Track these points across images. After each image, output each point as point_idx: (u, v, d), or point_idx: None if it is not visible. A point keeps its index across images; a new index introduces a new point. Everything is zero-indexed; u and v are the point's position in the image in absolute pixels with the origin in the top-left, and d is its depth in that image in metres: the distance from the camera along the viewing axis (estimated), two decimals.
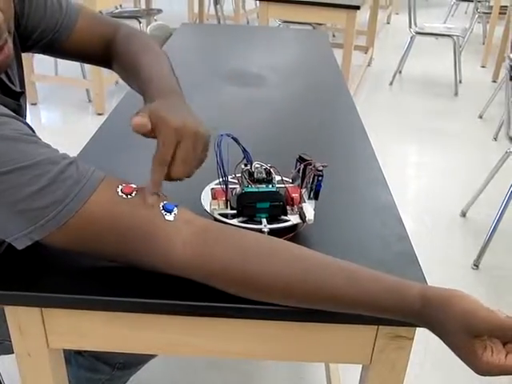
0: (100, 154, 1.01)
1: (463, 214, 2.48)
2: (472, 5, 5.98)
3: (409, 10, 4.18)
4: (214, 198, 0.80)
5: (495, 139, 3.33)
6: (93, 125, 3.22)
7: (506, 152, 2.26)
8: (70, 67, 3.85)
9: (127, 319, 0.69)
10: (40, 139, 0.64)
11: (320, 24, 4.36)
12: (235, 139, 0.77)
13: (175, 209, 0.65)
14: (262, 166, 0.81)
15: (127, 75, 0.91)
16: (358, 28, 3.39)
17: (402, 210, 0.85)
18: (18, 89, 0.85)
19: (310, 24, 4.16)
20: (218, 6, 5.24)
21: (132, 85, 0.90)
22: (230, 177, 0.79)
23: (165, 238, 0.63)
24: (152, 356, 1.18)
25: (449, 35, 4.21)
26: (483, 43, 5.46)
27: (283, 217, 0.77)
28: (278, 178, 0.81)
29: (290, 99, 1.34)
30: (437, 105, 3.91)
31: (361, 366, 0.77)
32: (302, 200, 0.79)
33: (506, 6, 4.35)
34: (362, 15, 3.58)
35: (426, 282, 0.69)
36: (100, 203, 0.62)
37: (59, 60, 3.88)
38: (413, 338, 0.69)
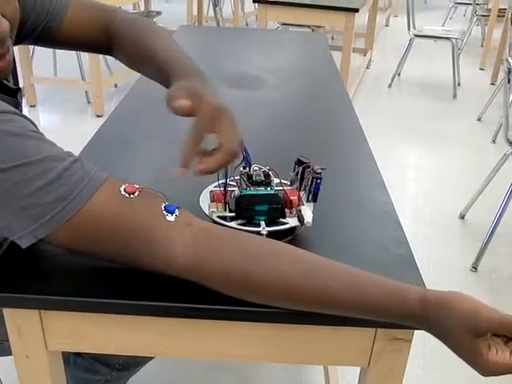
0: (99, 156, 1.01)
1: (462, 217, 2.48)
2: (470, 7, 6.00)
3: (407, 12, 4.19)
4: (212, 200, 0.80)
5: (494, 141, 3.33)
6: (92, 127, 3.22)
7: (505, 154, 2.26)
8: (68, 69, 3.86)
9: (126, 321, 0.69)
10: (44, 136, 0.64)
11: (319, 26, 4.36)
12: None
13: (177, 210, 0.65)
14: (260, 168, 0.81)
15: (136, 60, 0.89)
16: (356, 30, 3.39)
17: (401, 213, 0.85)
18: (13, 86, 0.84)
19: (308, 26, 4.17)
20: (217, 8, 5.25)
21: (145, 69, 0.89)
22: (228, 179, 0.79)
23: (166, 238, 0.63)
24: (151, 358, 1.18)
25: (447, 38, 4.22)
26: (482, 46, 5.47)
27: (282, 219, 0.77)
28: (276, 180, 0.81)
29: (288, 102, 1.34)
30: (435, 107, 3.92)
31: (359, 368, 0.77)
32: (300, 203, 0.79)
33: (505, 9, 4.36)
34: (361, 18, 3.58)
35: (424, 285, 0.70)
36: (103, 202, 0.62)
37: (58, 61, 3.90)
38: (411, 341, 0.69)
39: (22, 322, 0.69)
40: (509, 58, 2.15)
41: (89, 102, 3.61)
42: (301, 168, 0.81)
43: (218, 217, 0.77)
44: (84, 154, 1.00)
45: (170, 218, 0.64)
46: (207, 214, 0.78)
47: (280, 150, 1.07)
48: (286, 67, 1.64)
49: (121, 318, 0.68)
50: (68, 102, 3.64)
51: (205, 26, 5.15)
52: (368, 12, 4.71)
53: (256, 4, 3.38)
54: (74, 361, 1.12)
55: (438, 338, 0.59)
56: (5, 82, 0.82)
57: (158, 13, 4.39)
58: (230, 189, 0.80)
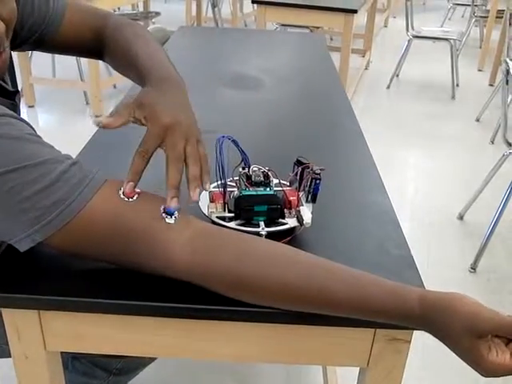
0: (97, 158, 1.01)
1: (460, 217, 2.49)
2: (469, 9, 6.01)
3: (406, 13, 4.20)
4: (211, 200, 0.80)
5: (492, 142, 3.34)
6: (90, 128, 3.21)
7: (503, 155, 2.26)
8: (67, 69, 3.86)
9: (124, 322, 0.69)
10: (42, 139, 0.64)
11: (317, 27, 4.36)
12: (235, 141, 0.77)
13: (176, 212, 0.65)
14: (259, 169, 0.81)
15: (122, 65, 0.89)
16: (355, 31, 3.39)
17: (399, 213, 0.85)
18: (11, 88, 0.84)
19: (307, 27, 4.17)
20: (216, 9, 5.25)
21: (129, 75, 0.88)
22: (227, 180, 0.79)
23: (165, 241, 0.63)
24: (149, 361, 1.17)
25: (446, 39, 4.23)
26: (480, 47, 5.47)
27: (281, 220, 0.77)
28: (275, 181, 0.81)
29: (287, 102, 1.34)
30: (434, 108, 3.93)
31: (358, 368, 0.77)
32: (299, 203, 0.79)
33: (503, 10, 4.36)
34: (360, 19, 3.58)
35: (423, 285, 0.70)
36: (101, 204, 0.62)
37: (57, 62, 3.90)
38: (410, 341, 0.69)
39: (20, 322, 0.69)
40: (507, 59, 2.15)
41: (87, 103, 3.61)
42: (300, 169, 0.81)
43: (217, 217, 0.77)
44: (83, 154, 1.00)
45: (170, 220, 0.64)
46: (206, 214, 0.78)
47: (279, 151, 1.07)
48: (284, 68, 1.64)
49: (120, 319, 0.68)
50: (66, 103, 3.64)
51: (204, 27, 5.15)
52: (366, 13, 4.72)
53: (255, 5, 3.38)
54: (72, 365, 1.11)
55: (438, 339, 0.59)
56: (3, 84, 0.82)
57: (157, 13, 4.39)
58: (229, 189, 0.80)
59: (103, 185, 0.63)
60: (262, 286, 0.62)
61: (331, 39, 5.60)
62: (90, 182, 0.62)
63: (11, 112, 0.62)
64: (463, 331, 0.56)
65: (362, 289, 0.61)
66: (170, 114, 0.68)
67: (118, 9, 4.69)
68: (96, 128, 1.12)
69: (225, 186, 0.78)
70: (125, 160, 1.00)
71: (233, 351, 0.72)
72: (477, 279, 2.07)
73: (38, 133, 0.66)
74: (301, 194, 0.80)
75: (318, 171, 0.79)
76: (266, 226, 0.76)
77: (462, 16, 7.40)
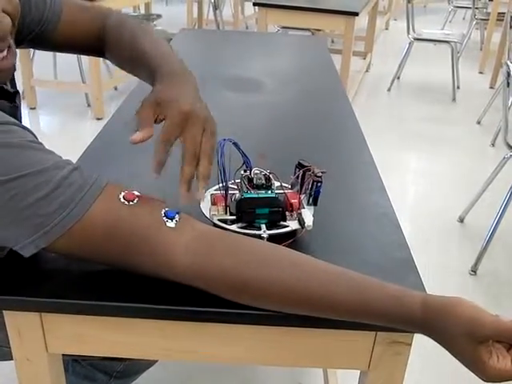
0: (99, 160, 1.01)
1: (461, 220, 2.48)
2: (470, 11, 6.01)
3: (407, 16, 4.20)
4: (213, 203, 0.80)
5: (493, 145, 3.34)
6: (92, 130, 3.23)
7: (504, 158, 2.26)
8: (69, 71, 3.86)
9: (127, 324, 0.69)
10: (43, 145, 0.64)
11: (319, 30, 4.37)
12: (236, 144, 0.78)
13: (177, 215, 0.65)
14: (261, 171, 0.81)
15: (127, 61, 0.89)
16: (356, 34, 3.39)
17: (400, 216, 0.85)
18: (11, 89, 0.84)
19: (308, 30, 4.18)
20: (217, 12, 5.26)
21: (135, 71, 0.89)
22: (229, 182, 0.80)
23: (166, 245, 0.63)
24: (150, 365, 1.17)
25: (447, 41, 4.23)
26: (481, 49, 5.48)
27: (282, 223, 0.77)
28: (277, 183, 0.82)
29: (288, 105, 1.35)
30: (435, 110, 3.93)
31: (359, 371, 0.77)
32: (301, 206, 0.79)
33: (504, 13, 4.37)
34: (361, 21, 3.59)
35: (424, 288, 0.70)
36: (102, 209, 0.62)
37: (58, 64, 3.91)
38: (411, 344, 0.69)
39: (22, 324, 0.69)
40: (508, 62, 2.15)
41: (89, 105, 3.62)
42: (301, 171, 0.81)
43: (219, 220, 0.77)
44: (84, 157, 1.01)
45: (170, 224, 0.64)
46: (208, 217, 0.78)
47: (280, 154, 1.07)
48: (285, 70, 1.64)
49: (122, 321, 0.68)
50: (68, 105, 3.64)
51: (205, 29, 5.16)
52: (368, 15, 4.72)
53: (256, 7, 3.38)
54: (73, 368, 1.11)
55: (439, 343, 0.59)
56: (3, 85, 0.82)
57: (158, 16, 4.39)
58: (230, 192, 0.80)
59: (104, 189, 0.63)
60: (262, 288, 0.62)
61: (332, 42, 5.61)
62: (90, 188, 0.62)
63: (12, 119, 0.62)
64: (464, 336, 0.56)
65: (362, 291, 0.61)
66: (188, 102, 0.71)
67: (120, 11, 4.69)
68: (97, 130, 1.12)
69: (226, 188, 0.78)
70: (126, 162, 1.01)
71: (234, 354, 0.72)
72: (477, 282, 2.07)
73: (40, 135, 0.66)
74: (302, 196, 0.81)
75: (320, 174, 0.79)
76: (268, 228, 0.76)
77: (463, 18, 7.41)
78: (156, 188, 0.92)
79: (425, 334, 0.60)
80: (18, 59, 0.83)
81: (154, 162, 0.70)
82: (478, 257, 2.12)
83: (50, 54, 3.87)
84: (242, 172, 0.82)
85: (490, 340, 0.57)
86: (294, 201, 0.79)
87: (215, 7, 5.21)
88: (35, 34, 0.88)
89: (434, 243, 2.31)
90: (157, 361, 1.15)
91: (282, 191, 0.81)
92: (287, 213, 0.79)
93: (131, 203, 0.64)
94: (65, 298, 0.66)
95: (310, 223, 0.75)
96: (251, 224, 0.77)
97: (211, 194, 0.82)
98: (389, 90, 4.33)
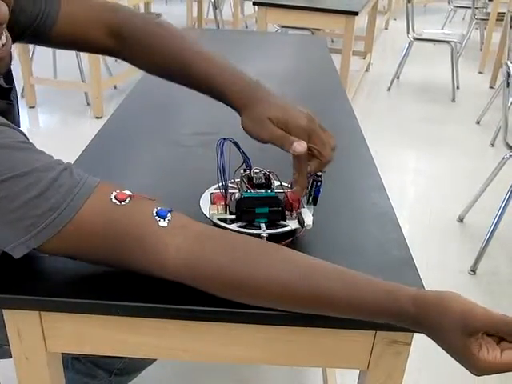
0: (98, 159, 1.01)
1: (460, 220, 2.49)
2: (470, 11, 6.02)
3: (407, 15, 4.20)
4: (213, 202, 0.80)
5: (492, 145, 3.34)
6: (91, 128, 3.22)
7: (503, 158, 2.26)
8: (68, 70, 3.86)
9: (125, 323, 0.69)
10: (34, 146, 0.63)
11: (318, 29, 4.37)
12: (236, 143, 0.78)
13: (169, 214, 0.64)
14: (261, 171, 0.81)
15: (162, 70, 0.88)
16: (356, 34, 3.39)
17: (400, 215, 0.85)
18: (5, 85, 0.81)
19: (308, 29, 4.18)
20: (217, 11, 5.26)
21: (175, 79, 0.87)
22: (229, 182, 0.79)
23: (158, 244, 0.62)
24: (150, 362, 1.17)
25: (446, 41, 4.23)
26: (481, 49, 5.48)
27: (282, 222, 0.77)
28: (277, 183, 0.82)
29: None
30: (434, 110, 3.93)
31: (358, 371, 0.77)
32: (300, 205, 0.79)
33: (504, 13, 4.37)
34: (361, 21, 3.59)
35: (423, 287, 0.70)
36: (93, 210, 0.62)
37: (58, 62, 3.90)
38: (410, 344, 0.69)
39: (21, 323, 0.69)
40: (508, 62, 2.15)
41: (88, 104, 3.62)
42: None
43: (219, 219, 0.77)
44: (83, 156, 1.00)
45: (163, 223, 0.63)
46: (208, 216, 0.78)
47: (280, 153, 1.07)
48: (285, 70, 1.64)
49: (121, 320, 0.68)
50: (67, 104, 3.64)
51: (205, 29, 5.16)
52: (367, 15, 4.72)
53: (256, 6, 3.38)
54: (73, 365, 1.11)
55: (431, 338, 0.59)
56: None
57: (158, 15, 4.39)
58: (230, 191, 0.80)
59: (95, 189, 0.63)
60: (257, 286, 0.62)
61: (332, 41, 5.61)
62: (81, 189, 0.62)
63: (3, 120, 0.62)
64: (454, 329, 0.56)
65: (358, 288, 0.61)
66: (298, 114, 0.80)
67: None
68: (97, 129, 1.12)
69: (226, 187, 0.78)
70: (126, 161, 1.01)
71: (233, 353, 0.72)
72: (476, 282, 2.07)
73: (39, 134, 0.66)
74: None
75: (319, 173, 0.79)
76: (267, 227, 0.76)
77: (463, 18, 7.42)
78: (156, 187, 0.92)
79: (417, 329, 0.60)
80: (17, 57, 0.81)
81: (299, 189, 0.77)
82: (478, 256, 2.12)
83: (49, 52, 3.88)
84: (242, 171, 0.82)
85: (480, 333, 0.57)
86: (294, 200, 0.79)
87: (215, 6, 5.22)
88: (32, 30, 0.84)
89: (433, 243, 2.31)
90: (156, 359, 1.15)
91: (281, 191, 0.81)
92: (287, 212, 0.79)
93: (123, 203, 0.63)
94: (64, 297, 0.66)
95: (310, 223, 0.75)
96: (251, 223, 0.77)
97: (211, 193, 0.82)
98: (388, 89, 4.33)
